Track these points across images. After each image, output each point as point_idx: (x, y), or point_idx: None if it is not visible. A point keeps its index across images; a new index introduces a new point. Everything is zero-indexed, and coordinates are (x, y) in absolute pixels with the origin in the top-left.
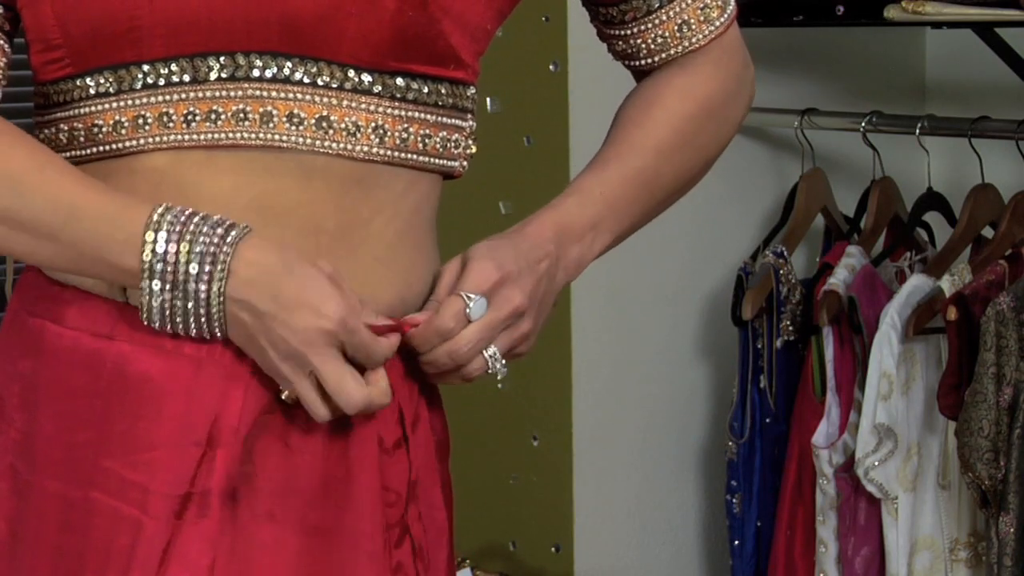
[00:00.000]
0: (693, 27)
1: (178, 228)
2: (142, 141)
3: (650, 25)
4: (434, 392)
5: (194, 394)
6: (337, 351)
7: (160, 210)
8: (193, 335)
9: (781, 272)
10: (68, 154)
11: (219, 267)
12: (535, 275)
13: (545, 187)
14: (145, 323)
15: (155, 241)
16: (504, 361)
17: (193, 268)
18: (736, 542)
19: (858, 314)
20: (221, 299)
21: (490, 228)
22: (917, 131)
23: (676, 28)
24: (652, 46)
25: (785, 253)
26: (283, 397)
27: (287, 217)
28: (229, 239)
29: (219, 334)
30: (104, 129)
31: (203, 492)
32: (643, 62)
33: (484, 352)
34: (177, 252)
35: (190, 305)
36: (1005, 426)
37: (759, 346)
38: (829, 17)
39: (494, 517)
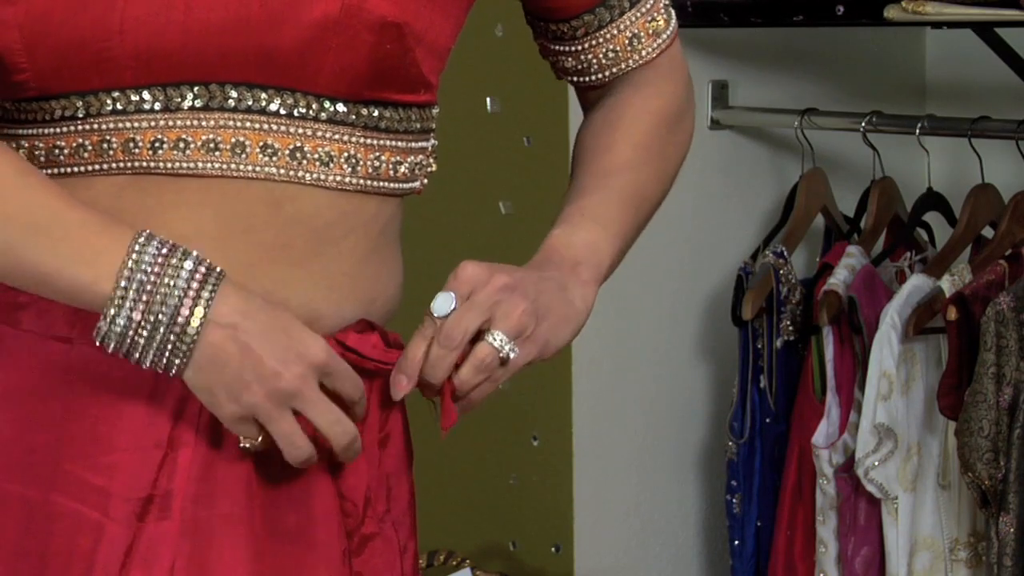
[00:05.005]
0: (643, 40)
1: (165, 249)
2: (104, 165)
3: (601, 40)
4: (400, 403)
5: (154, 395)
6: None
7: (147, 232)
8: (146, 365)
9: (781, 272)
10: None
11: (209, 287)
12: (525, 271)
13: (545, 187)
14: (97, 342)
15: (141, 252)
16: (513, 343)
17: (181, 283)
18: (736, 542)
19: (858, 314)
20: (201, 322)
21: (490, 228)
22: (917, 131)
23: (627, 41)
24: (604, 60)
25: (785, 253)
26: (242, 447)
27: (254, 235)
28: (217, 270)
29: (177, 363)
30: (66, 151)
31: (165, 494)
32: (594, 77)
33: (487, 339)
34: (163, 268)
35: (161, 326)
36: (1005, 426)
37: (759, 346)
38: (829, 17)
39: (494, 517)
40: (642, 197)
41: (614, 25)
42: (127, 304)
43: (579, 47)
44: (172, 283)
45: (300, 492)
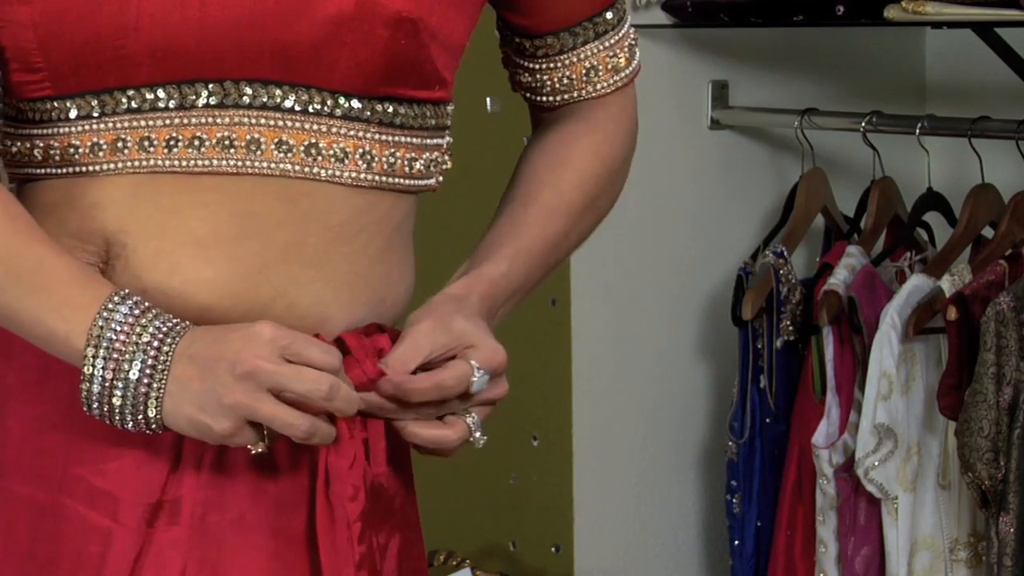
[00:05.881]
0: (600, 74)
1: (138, 311)
2: (120, 164)
3: (559, 64)
4: None
5: None
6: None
7: (124, 291)
8: (128, 413)
9: (781, 272)
10: (42, 171)
11: (175, 333)
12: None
13: None
14: (84, 408)
15: (113, 311)
16: (482, 432)
17: (145, 337)
18: (736, 542)
19: (858, 314)
20: (169, 357)
21: None
22: (917, 131)
23: (584, 72)
24: (558, 85)
25: (785, 253)
26: (254, 453)
27: (269, 233)
28: (181, 325)
29: (156, 394)
30: (81, 150)
31: (174, 499)
32: (546, 99)
33: (466, 418)
34: (132, 328)
35: (131, 386)
36: (1005, 426)
37: (759, 346)
38: (829, 17)
39: (494, 517)
40: (568, 247)
41: (574, 53)
42: (98, 363)
43: (537, 66)
44: (136, 343)
45: (307, 494)
